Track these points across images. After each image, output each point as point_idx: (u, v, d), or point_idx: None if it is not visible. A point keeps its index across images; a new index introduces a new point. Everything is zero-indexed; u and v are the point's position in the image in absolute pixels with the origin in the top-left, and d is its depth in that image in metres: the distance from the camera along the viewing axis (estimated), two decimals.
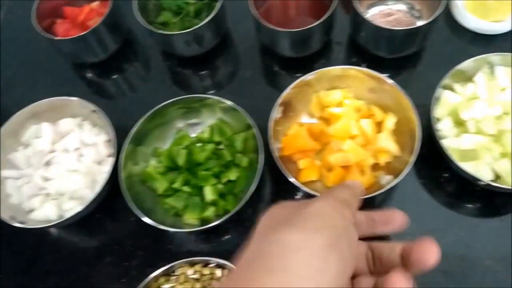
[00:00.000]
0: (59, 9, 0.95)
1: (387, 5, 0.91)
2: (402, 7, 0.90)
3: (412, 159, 0.70)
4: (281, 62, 0.93)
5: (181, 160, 0.79)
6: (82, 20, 0.92)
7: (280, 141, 0.79)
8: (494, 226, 0.74)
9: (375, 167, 0.76)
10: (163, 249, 0.78)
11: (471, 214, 0.76)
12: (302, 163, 0.78)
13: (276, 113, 0.77)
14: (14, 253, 0.82)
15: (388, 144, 0.75)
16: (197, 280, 0.72)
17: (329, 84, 0.81)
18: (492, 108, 0.74)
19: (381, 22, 0.88)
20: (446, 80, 0.76)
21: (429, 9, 0.85)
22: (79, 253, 0.81)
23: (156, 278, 0.71)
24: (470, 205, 0.76)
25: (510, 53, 0.76)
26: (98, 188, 0.76)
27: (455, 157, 0.73)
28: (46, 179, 0.82)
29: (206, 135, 0.82)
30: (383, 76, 0.76)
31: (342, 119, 0.78)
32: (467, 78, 0.79)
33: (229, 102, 0.79)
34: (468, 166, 0.72)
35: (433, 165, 0.78)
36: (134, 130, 0.79)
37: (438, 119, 0.77)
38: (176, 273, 0.72)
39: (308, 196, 0.71)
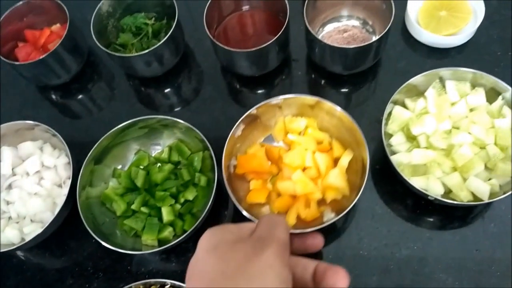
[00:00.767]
0: (21, 33, 0.96)
1: (340, 21, 0.92)
2: (356, 23, 0.91)
3: (355, 199, 0.69)
4: (242, 79, 0.95)
5: (139, 181, 0.80)
6: (43, 43, 0.93)
7: (237, 158, 0.80)
8: (447, 239, 0.75)
9: (322, 202, 0.76)
10: (123, 270, 0.79)
11: (425, 227, 0.77)
12: (253, 184, 0.78)
13: (237, 130, 0.78)
14: None
15: (337, 181, 0.74)
16: None
17: (298, 110, 0.81)
18: (442, 122, 0.75)
19: (337, 39, 0.89)
20: (397, 96, 0.78)
21: (381, 24, 0.86)
22: (42, 276, 0.82)
23: None
24: (424, 218, 0.78)
25: (460, 68, 0.77)
26: (57, 210, 0.77)
27: (406, 172, 0.74)
28: (8, 203, 0.83)
29: (164, 155, 0.83)
30: (343, 112, 0.75)
31: (297, 149, 0.78)
32: (419, 92, 0.80)
33: (185, 123, 0.80)
34: (419, 181, 0.73)
35: (388, 179, 0.80)
36: (93, 150, 0.80)
37: (390, 135, 0.78)
38: None
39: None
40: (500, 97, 0.76)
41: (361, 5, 0.89)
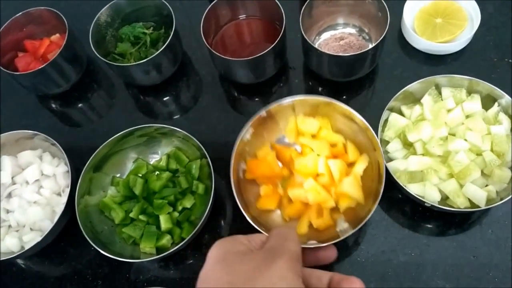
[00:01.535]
0: (21, 43, 0.97)
1: (337, 29, 0.93)
2: (352, 30, 0.92)
3: (373, 209, 0.67)
4: (240, 87, 0.95)
5: (138, 189, 0.80)
6: (43, 53, 0.94)
7: (246, 162, 0.77)
8: (445, 246, 0.75)
9: (335, 210, 0.74)
10: (122, 278, 0.80)
11: (423, 233, 0.77)
12: (263, 190, 0.76)
13: (246, 134, 0.75)
14: None
15: (352, 190, 0.71)
16: None
17: (311, 111, 0.78)
18: (438, 129, 0.76)
19: (334, 46, 0.90)
20: (393, 103, 0.78)
21: (377, 31, 0.87)
22: (41, 284, 0.82)
23: None
24: (421, 225, 0.78)
25: (456, 75, 0.78)
26: (56, 219, 0.77)
27: (403, 179, 0.74)
28: (7, 211, 0.83)
29: (162, 163, 0.83)
30: (357, 114, 0.73)
31: (309, 156, 0.75)
32: (416, 99, 0.81)
33: (183, 132, 0.81)
34: (415, 188, 0.73)
35: (385, 186, 0.79)
36: (92, 158, 0.80)
37: (387, 141, 0.79)
38: None
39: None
40: (496, 103, 0.77)
41: (357, 13, 0.90)
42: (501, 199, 0.69)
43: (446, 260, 0.74)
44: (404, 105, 0.80)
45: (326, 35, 0.93)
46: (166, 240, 0.77)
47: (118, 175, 0.86)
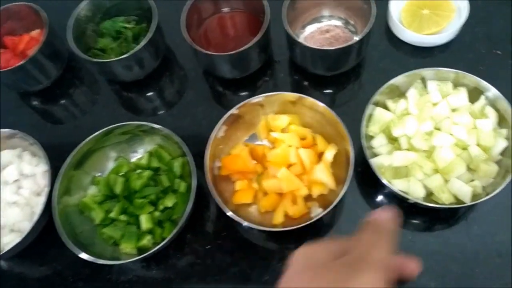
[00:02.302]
0: (0, 39, 0.94)
1: (322, 22, 0.91)
2: (338, 22, 0.90)
3: (341, 192, 0.69)
4: (224, 82, 0.93)
5: (118, 188, 0.79)
6: (22, 49, 0.92)
7: (220, 160, 0.80)
8: (430, 242, 0.74)
9: (309, 197, 0.76)
10: (103, 279, 0.78)
11: (408, 229, 0.75)
12: (238, 185, 0.78)
13: (219, 132, 0.78)
14: None
15: (323, 176, 0.74)
16: None
17: (280, 108, 0.81)
18: (423, 123, 0.74)
19: (319, 39, 0.88)
20: (378, 97, 0.76)
21: (363, 23, 0.85)
22: (23, 286, 0.81)
23: None
24: (407, 221, 0.76)
25: (441, 68, 0.76)
26: (34, 220, 0.75)
27: (387, 175, 0.73)
28: None
29: (144, 161, 0.82)
30: (325, 107, 0.76)
31: (281, 146, 0.77)
32: (401, 93, 0.79)
33: (164, 129, 0.79)
34: (400, 184, 0.72)
35: (371, 182, 0.78)
36: (71, 156, 0.79)
37: (371, 136, 0.77)
38: None
39: None
40: (483, 96, 0.75)
41: (343, 5, 0.88)
42: (487, 194, 0.67)
43: (431, 256, 0.72)
44: (390, 99, 0.78)
45: (311, 28, 0.91)
46: (147, 240, 0.75)
47: (99, 174, 0.84)
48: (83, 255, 0.72)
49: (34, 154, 0.86)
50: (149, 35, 0.83)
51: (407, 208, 0.76)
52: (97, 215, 0.78)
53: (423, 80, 0.78)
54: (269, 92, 0.89)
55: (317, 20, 0.91)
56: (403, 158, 0.73)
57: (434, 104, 0.76)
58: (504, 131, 0.73)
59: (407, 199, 0.69)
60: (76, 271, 0.79)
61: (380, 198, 0.79)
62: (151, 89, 0.95)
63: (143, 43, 0.83)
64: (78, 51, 0.85)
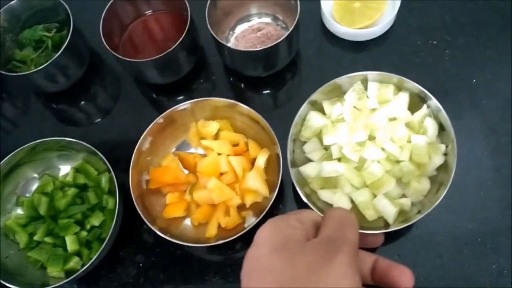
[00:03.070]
0: None
1: (252, 20, 0.87)
2: (267, 19, 0.86)
3: (272, 199, 0.67)
4: (157, 87, 0.89)
5: (42, 209, 0.75)
6: None
7: (149, 173, 0.76)
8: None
9: (244, 206, 0.73)
10: None
11: None
12: (168, 198, 0.74)
13: (144, 143, 0.75)
14: None
15: (255, 184, 0.71)
16: None
17: (211, 113, 0.77)
18: (356, 133, 0.69)
19: (251, 38, 0.84)
20: (315, 96, 0.71)
21: (291, 19, 0.81)
22: None
23: None
24: None
25: (384, 72, 0.70)
26: None
27: (315, 184, 0.70)
28: None
29: (69, 178, 0.77)
30: (252, 111, 0.72)
31: (210, 155, 0.74)
32: (342, 92, 0.74)
33: (85, 145, 0.75)
34: (327, 194, 0.69)
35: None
36: None
37: (304, 142, 0.74)
38: None
39: None
40: (425, 106, 0.69)
41: (271, 2, 0.84)
42: (419, 212, 0.64)
43: None
44: (327, 100, 0.74)
45: (243, 27, 0.87)
46: (74, 262, 0.71)
47: (27, 194, 0.80)
48: (6, 283, 0.68)
49: None
50: (67, 41, 0.78)
51: None
52: (21, 239, 0.74)
53: (364, 81, 0.72)
54: (205, 95, 0.87)
55: (247, 19, 0.87)
56: (331, 170, 0.69)
57: (373, 110, 0.71)
58: (442, 147, 0.68)
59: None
60: None
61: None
62: (80, 99, 0.91)
63: (60, 51, 0.78)
64: None
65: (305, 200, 0.65)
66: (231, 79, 0.88)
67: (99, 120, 0.89)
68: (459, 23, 0.84)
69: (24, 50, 0.87)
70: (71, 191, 0.75)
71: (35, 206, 0.75)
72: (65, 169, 0.81)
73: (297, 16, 0.74)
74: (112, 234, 0.69)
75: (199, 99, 0.75)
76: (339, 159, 0.70)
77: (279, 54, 0.77)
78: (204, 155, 0.78)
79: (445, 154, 0.68)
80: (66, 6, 0.82)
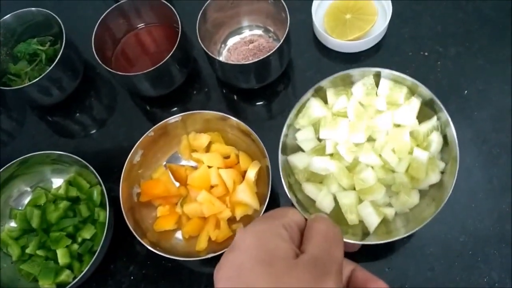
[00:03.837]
0: None
1: (243, 32, 0.87)
2: (259, 32, 0.87)
3: (262, 211, 0.67)
4: (150, 100, 0.90)
5: (35, 222, 0.75)
6: None
7: (140, 186, 0.76)
8: (357, 258, 0.71)
9: (234, 219, 0.73)
10: None
11: None
12: (159, 211, 0.75)
13: (135, 156, 0.75)
14: None
15: (245, 197, 0.70)
16: None
17: (203, 125, 0.77)
18: (355, 134, 0.65)
19: (243, 51, 0.85)
20: (322, 83, 0.67)
21: (282, 31, 0.81)
22: None
23: None
24: None
25: (400, 73, 0.65)
26: None
27: (301, 176, 0.68)
28: None
29: (61, 191, 0.78)
30: (241, 123, 0.72)
31: (200, 168, 0.74)
32: (351, 82, 0.69)
33: (76, 158, 0.75)
34: (311, 188, 0.66)
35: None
36: None
37: (298, 129, 0.70)
38: None
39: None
40: (435, 117, 0.65)
41: (262, 14, 0.85)
42: (404, 228, 0.62)
43: None
44: (333, 88, 0.68)
45: (235, 39, 0.87)
46: (65, 275, 0.72)
47: (20, 208, 0.80)
48: None
49: None
50: (60, 54, 0.79)
51: None
52: (14, 252, 0.74)
53: (376, 78, 0.67)
54: (199, 107, 0.87)
55: (238, 31, 0.87)
56: (321, 167, 0.66)
57: (379, 112, 0.67)
58: (441, 165, 0.64)
59: (307, 212, 0.64)
60: None
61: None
62: (74, 112, 0.92)
63: (54, 64, 0.79)
64: None
65: (286, 191, 0.63)
66: (224, 91, 0.89)
67: (93, 132, 0.90)
68: (451, 34, 0.84)
69: (18, 63, 0.88)
70: (63, 204, 0.76)
71: (27, 219, 0.76)
72: (58, 182, 0.82)
73: (287, 29, 0.75)
74: (103, 247, 0.69)
75: (190, 112, 0.75)
76: (331, 155, 0.67)
77: (270, 67, 0.77)
78: (195, 168, 0.78)
79: (442, 172, 0.64)
80: (59, 20, 0.83)
